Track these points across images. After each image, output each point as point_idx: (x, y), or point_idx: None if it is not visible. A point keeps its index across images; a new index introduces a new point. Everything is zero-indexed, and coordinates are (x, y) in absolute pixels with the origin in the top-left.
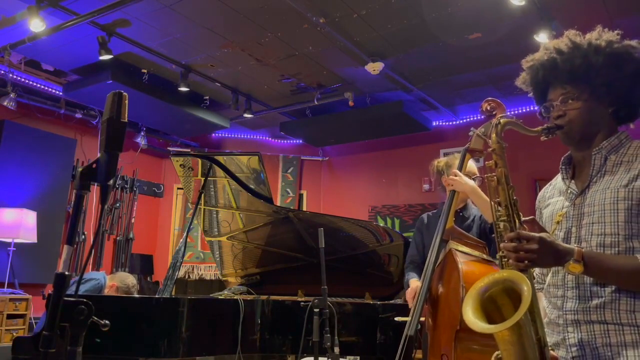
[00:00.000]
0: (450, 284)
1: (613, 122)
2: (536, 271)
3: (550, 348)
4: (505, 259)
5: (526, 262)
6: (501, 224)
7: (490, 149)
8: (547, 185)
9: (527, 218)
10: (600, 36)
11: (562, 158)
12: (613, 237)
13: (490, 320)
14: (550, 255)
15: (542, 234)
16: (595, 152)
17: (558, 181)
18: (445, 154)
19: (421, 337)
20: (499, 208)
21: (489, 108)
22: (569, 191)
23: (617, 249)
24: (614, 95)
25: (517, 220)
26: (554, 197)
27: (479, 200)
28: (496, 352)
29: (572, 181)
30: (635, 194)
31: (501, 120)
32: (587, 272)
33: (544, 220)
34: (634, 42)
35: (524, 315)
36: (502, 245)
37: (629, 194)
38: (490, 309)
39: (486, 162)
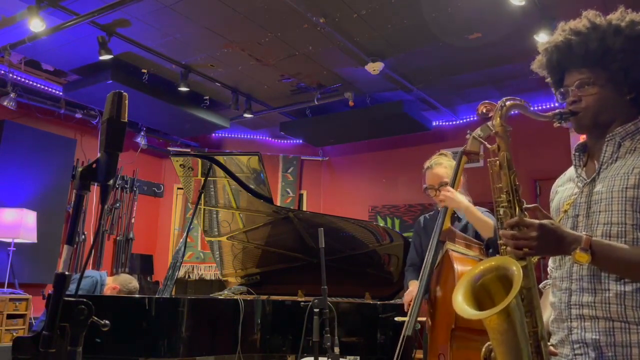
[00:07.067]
0: (447, 284)
1: (633, 110)
2: (550, 265)
3: (552, 344)
4: (504, 247)
5: (525, 249)
6: (501, 210)
7: (493, 132)
8: (561, 176)
9: (530, 205)
10: (623, 17)
11: (576, 145)
12: (620, 226)
13: (482, 308)
14: (553, 243)
15: (544, 221)
16: (609, 139)
17: (570, 169)
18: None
19: (422, 337)
20: (500, 194)
21: (484, 111)
22: (579, 179)
23: (624, 239)
24: (634, 81)
25: (517, 207)
26: (563, 185)
27: (473, 217)
28: (487, 343)
29: (584, 169)
30: None
31: (507, 103)
32: (595, 262)
33: (552, 209)
34: None
35: (514, 302)
36: (500, 232)
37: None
38: (483, 298)
39: (489, 146)
